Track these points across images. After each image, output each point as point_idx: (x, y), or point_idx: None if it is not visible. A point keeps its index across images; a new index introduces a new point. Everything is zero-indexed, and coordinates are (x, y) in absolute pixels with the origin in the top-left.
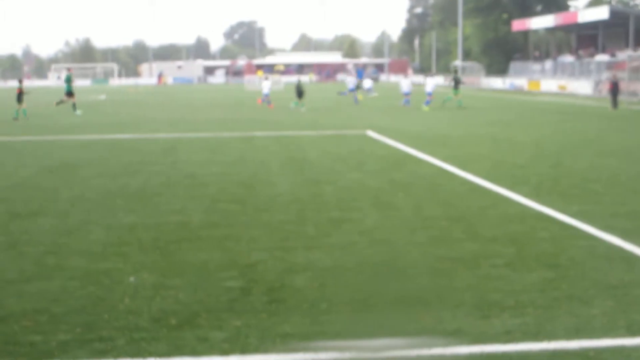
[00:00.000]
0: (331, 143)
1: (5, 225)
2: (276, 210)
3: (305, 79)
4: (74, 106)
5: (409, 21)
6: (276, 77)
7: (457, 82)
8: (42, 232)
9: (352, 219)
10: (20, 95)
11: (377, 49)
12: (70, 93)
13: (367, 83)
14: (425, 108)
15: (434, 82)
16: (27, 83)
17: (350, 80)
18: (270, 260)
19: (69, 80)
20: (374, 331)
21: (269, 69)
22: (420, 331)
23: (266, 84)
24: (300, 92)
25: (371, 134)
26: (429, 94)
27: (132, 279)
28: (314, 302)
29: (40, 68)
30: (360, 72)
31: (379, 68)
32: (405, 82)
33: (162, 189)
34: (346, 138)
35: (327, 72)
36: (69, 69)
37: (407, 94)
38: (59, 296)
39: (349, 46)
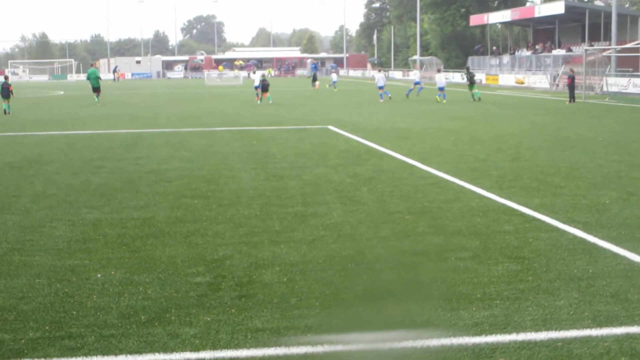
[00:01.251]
0: (294, 138)
1: None
2: (240, 205)
3: (264, 73)
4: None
5: (367, 16)
6: (235, 72)
7: (471, 78)
8: (5, 228)
9: (317, 213)
10: (8, 91)
11: (336, 44)
12: (96, 88)
13: (334, 77)
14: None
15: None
16: None
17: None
18: (237, 255)
19: (90, 76)
20: (344, 325)
21: (228, 64)
22: (389, 325)
23: (257, 76)
24: (264, 86)
25: (333, 128)
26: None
27: (99, 275)
28: (283, 296)
29: None
30: (314, 65)
31: (338, 63)
32: (379, 76)
33: (125, 185)
34: (308, 132)
35: (287, 66)
36: (92, 64)
37: (381, 87)
38: (26, 294)
39: (308, 41)
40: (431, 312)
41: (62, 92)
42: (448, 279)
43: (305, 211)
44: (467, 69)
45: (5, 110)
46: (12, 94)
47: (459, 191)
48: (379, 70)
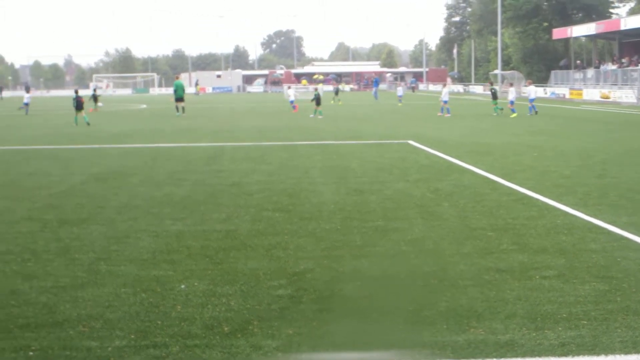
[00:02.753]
0: (373, 152)
1: (56, 231)
2: (322, 219)
3: (346, 88)
4: (181, 109)
5: (447, 30)
6: (319, 86)
7: (494, 94)
8: (92, 239)
9: (398, 228)
10: (81, 103)
11: (415, 58)
12: (180, 98)
13: (399, 91)
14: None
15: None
16: (69, 92)
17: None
18: (318, 269)
19: (177, 87)
20: (427, 342)
21: (308, 78)
22: (473, 343)
23: (291, 92)
24: (318, 100)
25: (413, 143)
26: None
27: (183, 286)
28: (365, 311)
29: (82, 78)
30: (376, 80)
31: (418, 77)
32: (444, 91)
33: (208, 197)
34: (388, 147)
35: (366, 81)
36: (176, 77)
37: (445, 102)
38: (112, 302)
39: (387, 55)
40: (515, 331)
41: (144, 106)
42: (532, 297)
43: (387, 226)
44: (492, 83)
45: (77, 121)
46: (84, 106)
47: (543, 208)
48: (444, 85)
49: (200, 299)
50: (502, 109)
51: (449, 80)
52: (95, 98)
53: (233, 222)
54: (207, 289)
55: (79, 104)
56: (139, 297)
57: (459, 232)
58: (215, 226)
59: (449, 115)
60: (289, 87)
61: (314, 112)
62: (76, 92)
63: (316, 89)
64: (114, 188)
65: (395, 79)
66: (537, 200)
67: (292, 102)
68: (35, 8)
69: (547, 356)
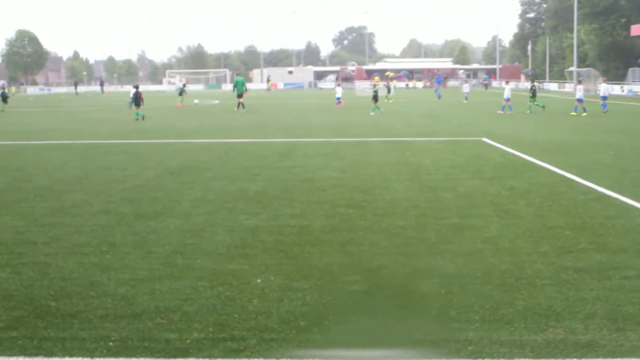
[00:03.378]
0: (446, 149)
1: (133, 225)
2: (395, 216)
3: (419, 85)
4: (242, 105)
5: (521, 26)
6: (391, 82)
7: (534, 91)
8: (168, 232)
9: (473, 226)
10: (139, 99)
11: (488, 55)
12: (240, 95)
13: (465, 88)
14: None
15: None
16: (143, 88)
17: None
18: (393, 265)
19: (237, 83)
20: (505, 341)
21: (379, 74)
22: (552, 342)
23: (339, 90)
24: (375, 96)
25: (487, 140)
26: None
27: (259, 280)
28: (442, 308)
29: (155, 73)
30: (438, 78)
31: (491, 74)
32: (507, 88)
33: (281, 193)
34: (462, 144)
35: (438, 77)
36: (237, 74)
37: (507, 99)
38: (189, 295)
39: (460, 52)
40: (595, 332)
41: (217, 102)
42: (613, 297)
43: (461, 223)
44: (533, 81)
45: (138, 117)
46: (142, 101)
47: (622, 207)
48: (507, 82)
49: (276, 294)
50: (543, 106)
51: (523, 77)
52: (181, 92)
53: (307, 217)
54: (282, 283)
55: (137, 100)
56: (216, 291)
57: (536, 231)
58: (289, 221)
59: (511, 112)
60: (338, 85)
61: (372, 109)
62: (136, 87)
63: (375, 86)
64: (188, 182)
65: (468, 76)
66: (616, 199)
67: (338, 98)
68: (109, 5)
69: (630, 357)
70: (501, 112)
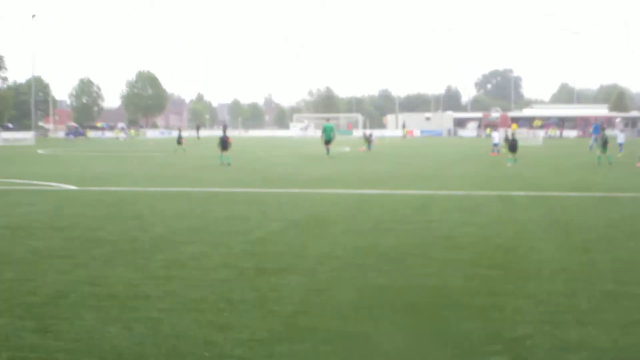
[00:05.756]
0: (602, 206)
1: (254, 281)
2: (542, 279)
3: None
4: (328, 151)
5: None
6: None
7: (605, 142)
8: (290, 289)
9: (632, 293)
10: (225, 143)
11: None
12: (328, 141)
13: (620, 138)
14: None
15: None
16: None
17: (496, 135)
18: (539, 335)
19: (326, 130)
20: None
21: (525, 122)
22: None
23: (496, 135)
24: (513, 146)
25: None
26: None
27: (387, 346)
28: None
29: (281, 117)
30: (596, 127)
31: None
32: (621, 136)
33: (416, 249)
34: (619, 201)
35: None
36: (327, 120)
37: (620, 144)
38: None
39: (617, 97)
40: None
41: (348, 149)
42: None
43: (617, 290)
44: (603, 129)
45: (223, 162)
46: (230, 146)
47: None
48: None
49: None
50: (611, 163)
51: None
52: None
53: (443, 277)
54: (415, 350)
55: (224, 144)
56: (340, 356)
57: None
58: (423, 281)
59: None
60: (496, 130)
61: (509, 160)
62: (224, 130)
63: (513, 134)
64: (314, 236)
65: (626, 124)
66: None
67: (495, 144)
68: (235, 49)
69: None
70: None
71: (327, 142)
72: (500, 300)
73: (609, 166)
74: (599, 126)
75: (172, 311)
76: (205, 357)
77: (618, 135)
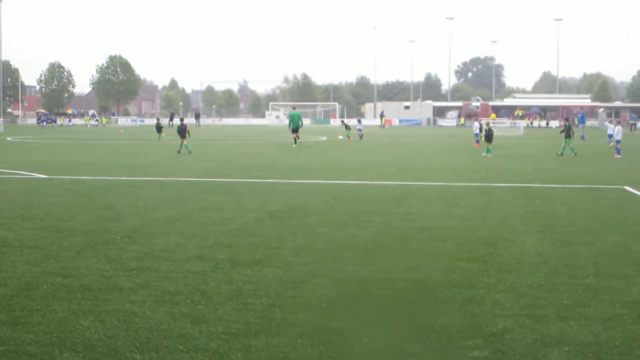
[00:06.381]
0: (583, 198)
1: (229, 273)
2: (522, 273)
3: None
4: (296, 140)
5: None
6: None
7: (568, 132)
8: (267, 282)
9: (612, 287)
10: (183, 131)
11: (634, 91)
12: (296, 129)
13: (611, 129)
14: None
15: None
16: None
17: (477, 125)
18: (519, 330)
19: (293, 118)
20: None
21: (507, 111)
22: None
23: (476, 125)
24: (489, 136)
25: (631, 189)
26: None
27: (366, 340)
28: None
29: (257, 105)
30: (582, 116)
31: (637, 113)
32: (617, 129)
33: (395, 242)
34: (600, 193)
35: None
36: (294, 108)
37: (618, 142)
38: (287, 354)
39: (600, 87)
40: None
41: (324, 138)
42: None
43: (598, 284)
44: (567, 119)
45: (181, 150)
46: (188, 134)
47: None
48: (618, 123)
49: (386, 356)
50: (575, 154)
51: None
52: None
53: (423, 271)
54: (393, 344)
55: (182, 132)
56: (317, 350)
57: None
58: (402, 274)
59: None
60: (476, 120)
61: (486, 150)
62: (181, 120)
63: (488, 124)
64: (291, 228)
65: (609, 114)
66: None
67: (477, 134)
68: (209, 32)
69: None
70: (618, 156)
71: (295, 130)
72: (480, 293)
73: (563, 157)
74: (585, 117)
75: (145, 303)
76: (179, 351)
77: (609, 127)
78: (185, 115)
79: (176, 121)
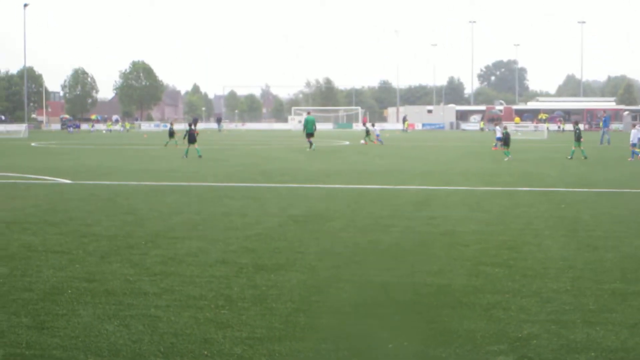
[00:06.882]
0: (608, 202)
1: (252, 278)
2: (548, 278)
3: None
4: (311, 144)
5: None
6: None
7: (579, 135)
8: (290, 287)
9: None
10: (192, 136)
11: None
12: (310, 134)
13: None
14: None
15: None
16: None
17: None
18: (545, 335)
19: (308, 123)
20: None
21: (531, 115)
22: None
23: (499, 129)
24: (506, 139)
25: None
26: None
27: (390, 345)
28: None
29: (279, 110)
30: (606, 120)
31: None
32: (633, 132)
33: (418, 246)
34: (625, 196)
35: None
36: (308, 112)
37: (634, 145)
38: (312, 359)
39: (625, 90)
40: None
41: (347, 143)
42: None
43: (625, 289)
44: (577, 123)
45: (187, 155)
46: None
47: None
48: (633, 126)
49: None
50: (585, 157)
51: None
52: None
53: (446, 275)
54: (417, 350)
55: (191, 137)
56: (341, 355)
57: None
58: (426, 279)
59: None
60: (497, 125)
61: (506, 154)
62: (190, 125)
63: (505, 127)
64: (314, 232)
65: (634, 117)
66: None
67: (498, 138)
68: (231, 37)
69: None
70: (631, 159)
71: (309, 134)
72: (505, 298)
73: (584, 161)
74: (609, 120)
75: (169, 308)
76: (204, 356)
77: (632, 132)
78: (208, 120)
79: (199, 126)
